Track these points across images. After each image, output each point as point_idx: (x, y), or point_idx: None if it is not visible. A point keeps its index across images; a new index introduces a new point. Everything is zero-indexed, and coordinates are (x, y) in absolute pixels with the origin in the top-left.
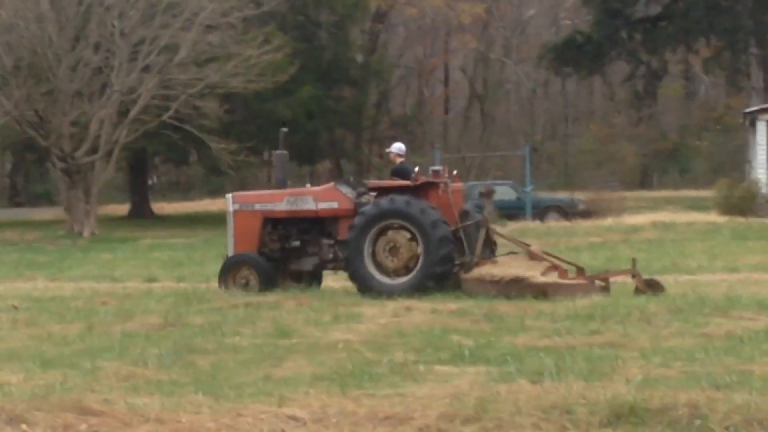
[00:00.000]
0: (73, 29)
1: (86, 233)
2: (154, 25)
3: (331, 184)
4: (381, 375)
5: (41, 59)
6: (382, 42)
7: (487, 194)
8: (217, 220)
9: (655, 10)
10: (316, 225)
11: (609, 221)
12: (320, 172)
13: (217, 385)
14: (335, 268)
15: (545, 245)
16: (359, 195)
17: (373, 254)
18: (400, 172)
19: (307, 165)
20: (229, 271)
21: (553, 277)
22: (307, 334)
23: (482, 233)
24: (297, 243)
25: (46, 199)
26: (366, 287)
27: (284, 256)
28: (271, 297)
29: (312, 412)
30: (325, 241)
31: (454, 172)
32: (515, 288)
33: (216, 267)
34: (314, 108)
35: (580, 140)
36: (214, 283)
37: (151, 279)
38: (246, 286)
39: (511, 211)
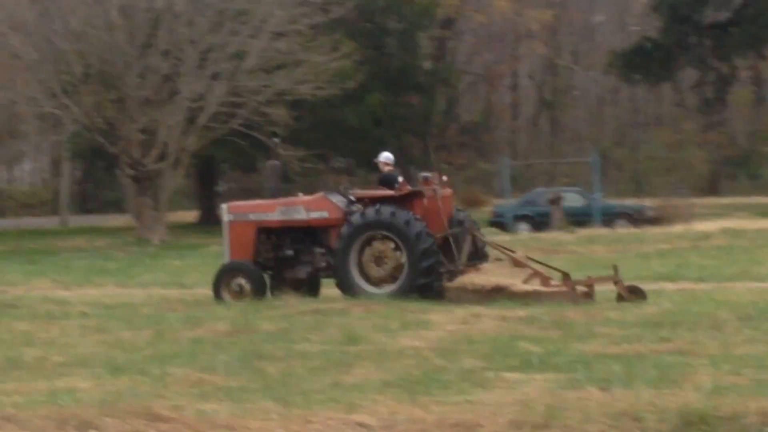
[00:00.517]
0: (142, 37)
1: (155, 240)
2: (222, 33)
3: (321, 194)
4: (449, 382)
5: (111, 67)
6: (449, 49)
7: (556, 201)
8: None
9: (724, 15)
10: (308, 234)
11: (678, 228)
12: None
13: (286, 391)
14: (328, 276)
15: (613, 252)
16: (349, 204)
17: (360, 263)
18: (386, 180)
19: (375, 173)
20: (222, 279)
21: (535, 285)
22: (375, 341)
23: (468, 241)
24: (290, 252)
25: (116, 206)
26: (352, 295)
27: (278, 264)
28: (339, 304)
29: (380, 419)
30: (318, 250)
31: (444, 178)
32: (496, 296)
33: None
34: (382, 115)
35: (648, 147)
36: None
37: None
38: (240, 293)
39: (579, 218)
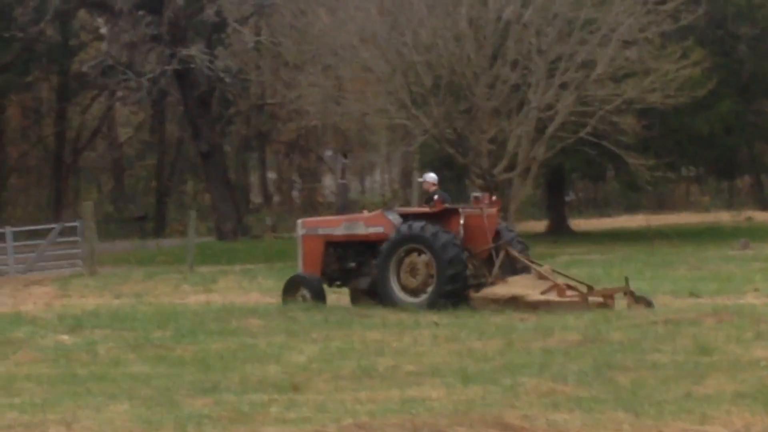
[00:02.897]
0: (491, 47)
1: None
2: (571, 42)
3: (379, 211)
4: None
5: (459, 78)
6: None
7: None
8: (634, 236)
9: None
10: (368, 248)
11: None
12: (739, 187)
13: (638, 402)
14: None
15: None
16: (404, 221)
17: (398, 275)
18: (430, 199)
19: (725, 180)
20: (289, 290)
21: (550, 296)
22: (728, 351)
23: (501, 255)
24: (353, 264)
25: None
26: (391, 305)
27: (343, 275)
28: (690, 314)
29: (734, 431)
30: (375, 262)
31: (493, 197)
32: (512, 305)
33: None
34: (733, 122)
35: None
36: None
37: None
38: (304, 302)
39: None
